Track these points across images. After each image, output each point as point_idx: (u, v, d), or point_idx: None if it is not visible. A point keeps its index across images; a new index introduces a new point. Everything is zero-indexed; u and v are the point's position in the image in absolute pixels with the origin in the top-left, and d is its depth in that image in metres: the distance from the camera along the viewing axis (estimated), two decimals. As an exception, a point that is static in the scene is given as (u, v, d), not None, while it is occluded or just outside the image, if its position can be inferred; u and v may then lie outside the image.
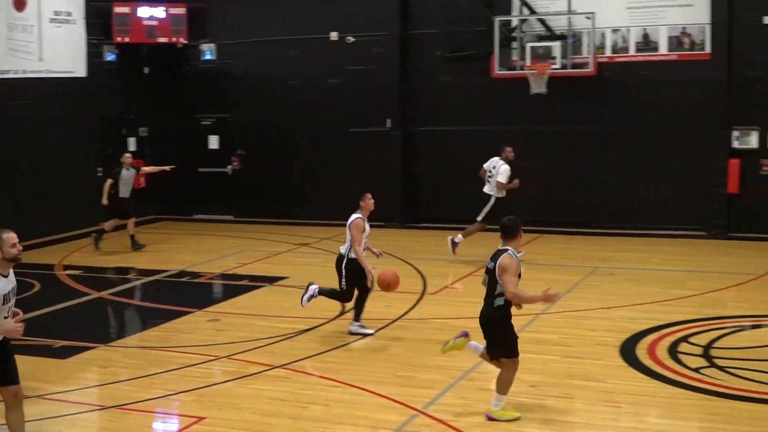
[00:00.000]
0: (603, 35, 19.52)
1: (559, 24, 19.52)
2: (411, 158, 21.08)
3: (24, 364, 8.22)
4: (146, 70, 22.63)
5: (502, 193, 16.29)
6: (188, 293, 15.08)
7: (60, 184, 19.77)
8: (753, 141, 18.69)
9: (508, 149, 16.55)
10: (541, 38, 19.55)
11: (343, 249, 11.65)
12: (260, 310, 13.38)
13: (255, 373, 10.26)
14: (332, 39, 21.32)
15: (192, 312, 13.36)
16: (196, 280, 15.86)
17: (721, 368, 10.19)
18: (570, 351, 10.96)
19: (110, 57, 21.46)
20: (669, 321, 12.07)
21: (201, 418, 8.85)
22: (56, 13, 19.78)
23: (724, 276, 15.12)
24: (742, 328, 11.99)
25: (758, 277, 14.98)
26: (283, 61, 21.67)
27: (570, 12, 19.34)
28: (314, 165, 21.80)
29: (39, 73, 19.39)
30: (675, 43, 19.15)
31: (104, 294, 14.76)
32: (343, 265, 11.56)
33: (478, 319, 8.71)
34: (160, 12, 21.29)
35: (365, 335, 11.69)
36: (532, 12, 19.78)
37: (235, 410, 9.10)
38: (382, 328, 12.11)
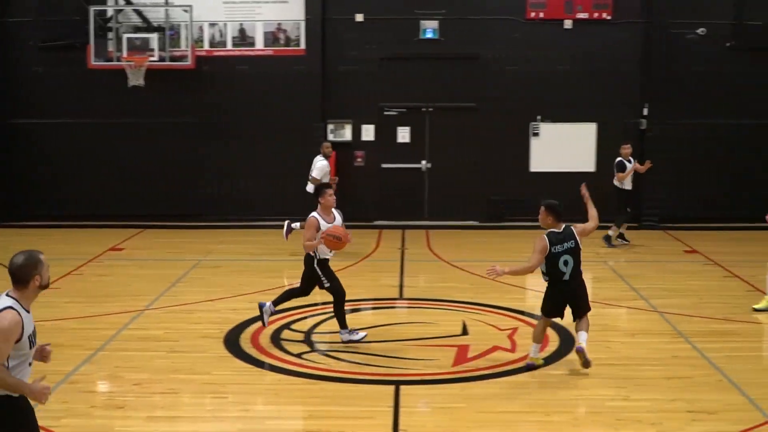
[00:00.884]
0: (201, 29, 19.58)
1: (157, 16, 19.27)
2: (6, 152, 19.76)
3: None
4: None
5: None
6: None
7: None
8: (347, 134, 19.69)
9: (326, 144, 16.95)
10: (138, 29, 19.20)
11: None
12: None
13: None
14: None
15: None
16: None
17: (322, 352, 10.59)
18: (175, 345, 10.84)
19: None
20: (272, 310, 12.34)
21: None
22: None
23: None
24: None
25: (356, 263, 15.72)
26: None
27: (167, 4, 19.18)
28: None
29: None
30: (271, 38, 19.65)
31: None
32: (315, 266, 10.69)
33: None
34: None
35: (360, 340, 10.85)
36: (128, 2, 19.36)
37: None
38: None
